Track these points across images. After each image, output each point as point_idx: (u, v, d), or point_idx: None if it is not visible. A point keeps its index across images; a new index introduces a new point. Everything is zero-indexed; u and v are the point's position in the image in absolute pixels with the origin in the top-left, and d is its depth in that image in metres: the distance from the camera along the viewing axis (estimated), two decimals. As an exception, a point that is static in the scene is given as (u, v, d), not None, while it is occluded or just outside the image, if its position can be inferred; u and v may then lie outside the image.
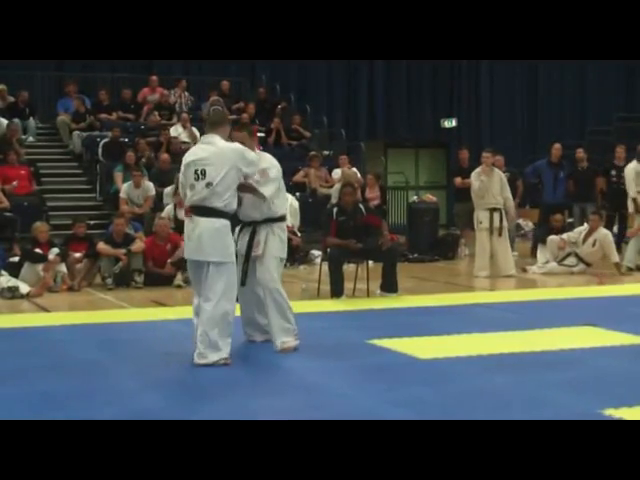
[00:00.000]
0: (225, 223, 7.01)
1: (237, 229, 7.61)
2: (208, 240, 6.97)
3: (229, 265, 7.03)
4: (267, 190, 7.40)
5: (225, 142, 7.12)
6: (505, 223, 13.27)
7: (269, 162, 7.56)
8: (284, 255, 7.70)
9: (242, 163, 7.03)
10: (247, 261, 7.57)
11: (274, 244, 7.54)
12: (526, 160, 22.12)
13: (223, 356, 6.95)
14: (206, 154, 7.02)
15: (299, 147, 19.48)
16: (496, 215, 13.10)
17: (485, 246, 13.14)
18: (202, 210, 6.99)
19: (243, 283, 7.52)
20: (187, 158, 7.14)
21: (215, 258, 6.97)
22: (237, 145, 7.16)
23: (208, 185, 6.94)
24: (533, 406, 5.67)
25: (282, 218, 7.67)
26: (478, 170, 13.31)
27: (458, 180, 16.36)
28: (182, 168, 7.26)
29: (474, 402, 5.83)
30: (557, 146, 16.62)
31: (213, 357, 6.91)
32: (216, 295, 6.94)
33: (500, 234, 13.15)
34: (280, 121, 19.62)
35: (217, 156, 6.98)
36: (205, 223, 6.99)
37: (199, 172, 6.97)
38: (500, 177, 13.34)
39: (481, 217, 13.19)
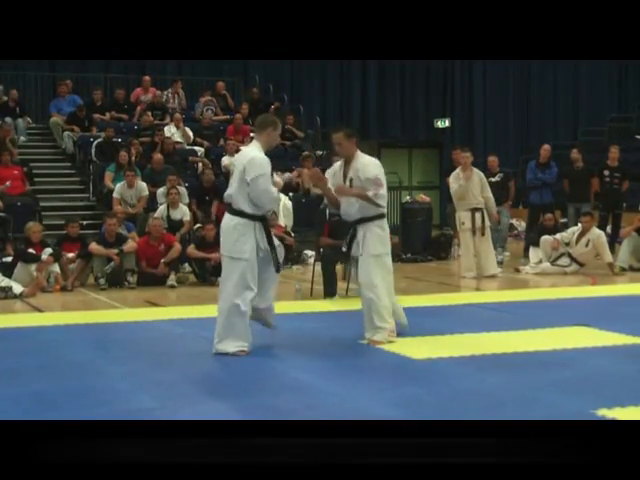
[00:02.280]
0: (241, 222, 7.30)
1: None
2: (223, 235, 7.46)
3: (237, 262, 7.27)
4: (383, 200, 7.79)
5: (252, 148, 7.50)
6: (487, 223, 13.28)
7: (378, 168, 7.85)
8: (385, 250, 7.87)
9: (247, 170, 7.29)
10: (348, 261, 7.97)
11: (371, 242, 7.76)
12: (519, 160, 22.21)
13: (230, 350, 7.31)
14: (238, 156, 7.68)
15: (292, 147, 19.48)
16: (477, 215, 13.11)
17: (469, 246, 13.16)
18: (226, 207, 7.50)
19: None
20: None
21: (225, 252, 7.41)
22: (251, 153, 7.41)
23: (230, 185, 7.45)
24: (526, 406, 5.67)
25: (381, 216, 7.89)
26: (457, 171, 13.32)
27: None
28: None
29: (467, 402, 5.84)
30: (546, 147, 16.65)
31: (224, 347, 7.34)
32: (225, 289, 7.36)
33: (483, 234, 13.16)
34: (273, 121, 19.59)
35: (239, 160, 7.50)
36: (225, 219, 7.47)
37: (233, 172, 7.57)
38: (480, 177, 13.34)
39: (463, 218, 13.20)
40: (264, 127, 7.54)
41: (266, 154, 7.49)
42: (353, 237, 7.81)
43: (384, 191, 7.78)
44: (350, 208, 7.84)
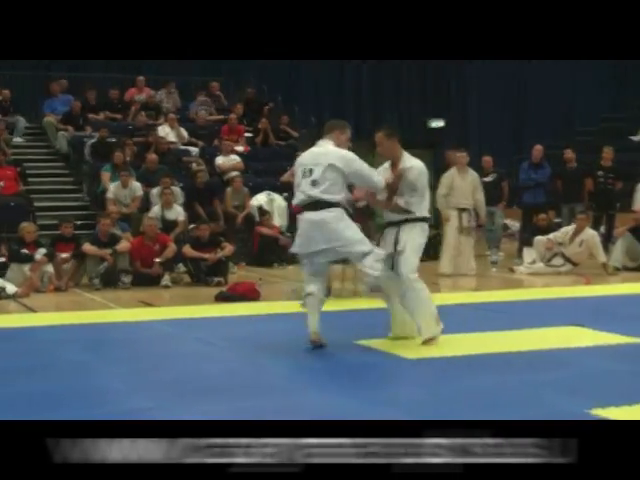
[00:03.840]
0: (341, 211, 7.41)
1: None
2: (335, 228, 7.38)
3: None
4: (416, 207, 7.65)
5: (332, 146, 7.53)
6: (473, 224, 13.35)
7: (415, 173, 7.67)
8: (420, 250, 7.81)
9: (340, 163, 7.38)
10: (392, 258, 7.75)
11: (414, 235, 7.68)
12: (513, 160, 22.21)
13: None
14: (314, 155, 7.54)
15: (287, 147, 19.46)
16: (465, 215, 13.18)
17: (451, 244, 13.23)
18: (324, 204, 7.35)
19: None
20: (298, 160, 7.74)
21: (356, 246, 7.45)
22: (338, 149, 7.53)
23: (314, 182, 7.36)
24: (520, 406, 5.67)
25: (424, 219, 7.79)
26: (453, 171, 13.36)
27: (446, 180, 16.34)
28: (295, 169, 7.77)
29: (461, 402, 5.83)
30: (538, 147, 16.66)
31: None
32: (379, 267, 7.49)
33: (468, 234, 13.26)
34: (268, 121, 19.60)
35: (322, 156, 7.45)
36: (324, 214, 7.36)
37: (306, 171, 7.45)
38: (473, 178, 13.41)
39: (449, 216, 13.27)
40: (331, 130, 7.66)
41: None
42: (396, 237, 7.70)
43: (417, 198, 7.65)
44: (392, 214, 7.78)
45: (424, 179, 7.76)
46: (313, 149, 7.66)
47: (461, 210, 13.15)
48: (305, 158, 7.59)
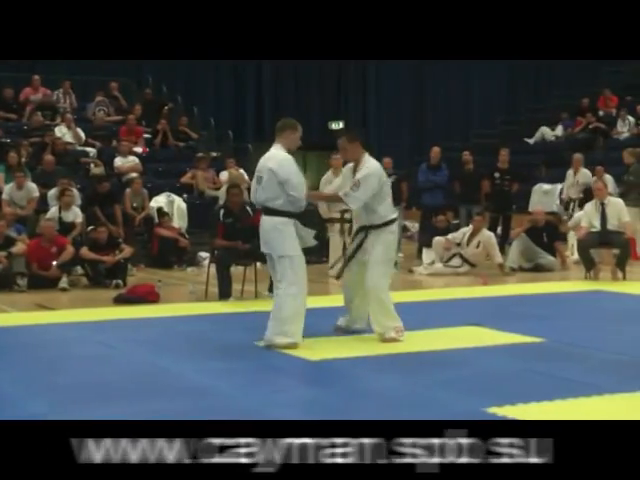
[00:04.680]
0: (283, 221, 7.57)
1: (354, 231, 8.31)
2: (268, 235, 7.64)
3: (288, 258, 7.56)
4: (353, 201, 7.91)
5: (277, 151, 7.67)
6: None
7: (365, 172, 7.91)
8: (391, 257, 8.15)
9: (275, 167, 7.55)
10: (349, 261, 8.15)
11: (379, 250, 7.90)
12: (412, 162, 22.47)
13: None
14: (262, 162, 7.72)
15: (186, 148, 19.32)
16: (347, 216, 13.35)
17: (337, 245, 13.35)
18: (265, 210, 7.68)
19: (338, 277, 8.40)
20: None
21: (275, 252, 7.60)
22: (280, 156, 7.63)
23: (264, 189, 7.59)
24: (420, 406, 5.74)
25: (390, 222, 8.02)
26: (329, 174, 13.47)
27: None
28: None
29: (363, 402, 5.88)
30: (436, 149, 16.89)
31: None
32: (282, 285, 7.57)
33: (349, 233, 13.43)
34: (167, 122, 19.44)
35: (267, 161, 7.64)
36: (267, 221, 7.64)
37: (258, 177, 7.69)
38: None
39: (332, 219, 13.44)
40: (282, 130, 7.75)
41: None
42: (362, 241, 8.01)
43: (359, 193, 7.83)
44: (361, 214, 8.07)
45: (377, 181, 7.94)
46: (265, 155, 7.82)
47: (343, 212, 13.23)
48: (258, 164, 7.78)
